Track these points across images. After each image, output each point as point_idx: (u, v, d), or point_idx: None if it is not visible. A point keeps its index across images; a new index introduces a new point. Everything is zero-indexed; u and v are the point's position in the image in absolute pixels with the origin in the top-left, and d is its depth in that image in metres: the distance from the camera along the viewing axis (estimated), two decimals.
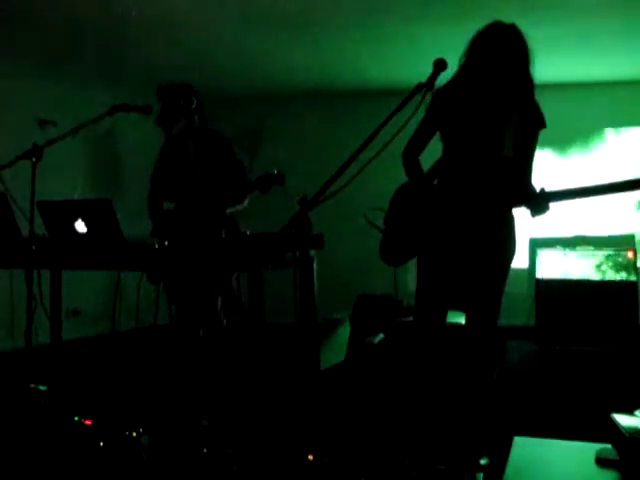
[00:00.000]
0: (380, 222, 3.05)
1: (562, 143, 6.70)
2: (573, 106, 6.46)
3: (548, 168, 6.61)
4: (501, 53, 2.64)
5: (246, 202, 3.72)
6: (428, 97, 2.58)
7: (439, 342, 2.84)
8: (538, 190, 2.60)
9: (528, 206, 2.61)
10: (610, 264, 5.35)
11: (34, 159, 3.13)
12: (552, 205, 2.58)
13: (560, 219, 5.86)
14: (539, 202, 2.57)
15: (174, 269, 3.22)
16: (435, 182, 2.87)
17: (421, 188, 2.85)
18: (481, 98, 2.72)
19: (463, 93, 2.74)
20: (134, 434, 3.07)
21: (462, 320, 2.93)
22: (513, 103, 2.71)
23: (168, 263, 3.00)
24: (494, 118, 2.71)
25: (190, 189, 3.72)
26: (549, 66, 5.83)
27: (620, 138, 6.74)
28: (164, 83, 3.77)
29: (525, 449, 2.68)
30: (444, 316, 2.87)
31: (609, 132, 6.75)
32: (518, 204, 2.66)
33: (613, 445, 2.49)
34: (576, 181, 2.62)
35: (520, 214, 2.75)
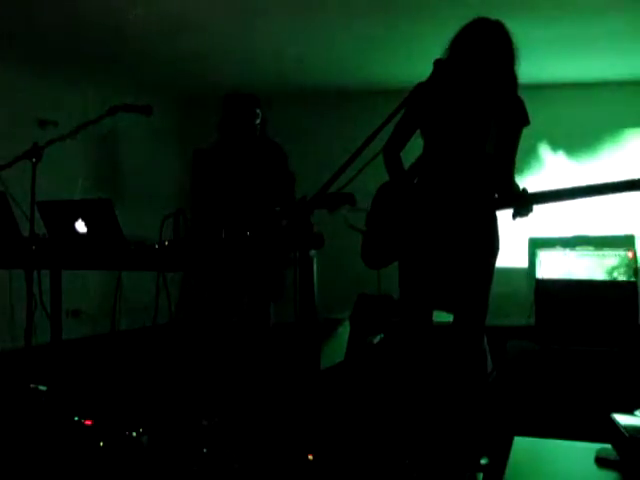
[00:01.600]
0: (362, 223, 3.01)
1: (582, 143, 6.69)
2: (594, 106, 6.48)
3: (561, 170, 6.62)
4: (484, 49, 2.60)
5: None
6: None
7: (427, 343, 2.82)
8: (520, 191, 2.57)
9: (510, 207, 2.57)
10: (610, 264, 5.35)
11: (34, 159, 3.13)
12: (535, 207, 2.55)
13: (560, 219, 5.87)
14: (521, 204, 2.54)
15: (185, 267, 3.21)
16: (415, 180, 2.82)
17: (401, 187, 2.80)
18: (463, 94, 2.68)
19: (445, 88, 2.69)
20: (134, 434, 3.07)
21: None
22: (496, 100, 2.68)
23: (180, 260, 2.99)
24: (476, 115, 2.68)
25: (241, 198, 3.74)
26: (566, 65, 5.85)
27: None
28: (231, 92, 3.85)
29: (525, 449, 2.68)
30: (430, 317, 2.84)
31: (626, 133, 6.73)
32: (501, 206, 2.63)
33: (613, 445, 2.49)
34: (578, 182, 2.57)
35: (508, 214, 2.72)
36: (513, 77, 2.67)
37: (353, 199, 3.37)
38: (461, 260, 2.72)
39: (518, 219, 2.60)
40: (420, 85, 2.61)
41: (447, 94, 2.70)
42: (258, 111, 3.81)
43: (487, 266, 2.76)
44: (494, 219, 2.76)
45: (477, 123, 2.68)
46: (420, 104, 2.72)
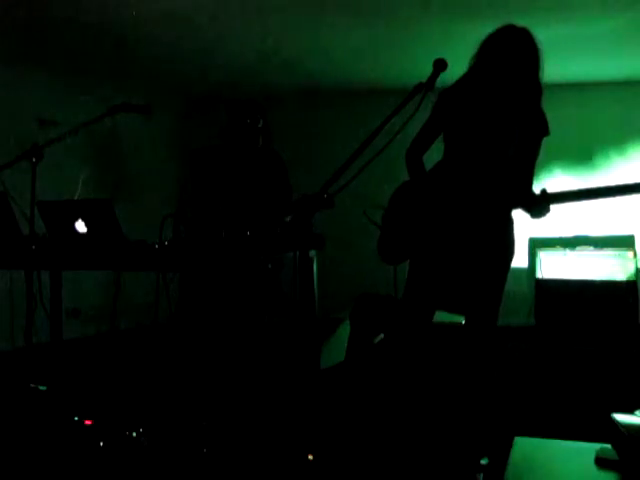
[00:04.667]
0: (379, 220, 3.03)
1: (583, 144, 6.70)
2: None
3: (561, 170, 6.63)
4: (511, 57, 2.62)
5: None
6: (430, 97, 2.57)
7: (426, 343, 2.83)
8: (539, 192, 2.59)
9: (528, 208, 2.59)
10: (610, 264, 5.35)
11: (34, 159, 3.14)
12: (553, 207, 2.57)
13: (560, 219, 5.87)
14: (540, 204, 2.56)
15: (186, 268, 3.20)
16: (435, 182, 2.85)
17: (422, 188, 2.83)
18: (488, 101, 2.70)
19: (470, 95, 2.72)
20: (134, 434, 3.07)
21: (462, 320, 2.92)
22: (519, 108, 2.70)
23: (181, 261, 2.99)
24: (500, 122, 2.70)
25: (240, 209, 3.73)
26: (566, 65, 5.84)
27: None
28: (234, 98, 3.83)
29: (525, 449, 2.68)
30: (431, 317, 2.85)
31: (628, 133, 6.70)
32: (518, 206, 2.65)
33: (613, 445, 2.49)
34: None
35: (520, 215, 2.74)
36: (538, 86, 2.69)
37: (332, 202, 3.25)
38: (477, 263, 2.73)
39: (536, 219, 2.61)
40: (447, 90, 2.66)
41: (473, 100, 2.71)
42: (260, 119, 3.79)
43: (502, 270, 2.78)
44: (511, 224, 2.78)
45: (502, 131, 2.69)
46: (445, 109, 2.75)
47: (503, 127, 2.69)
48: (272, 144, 3.90)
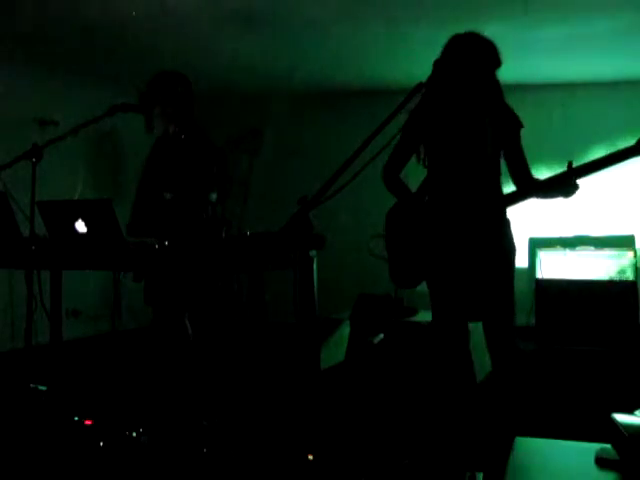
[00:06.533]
0: (381, 249, 3.02)
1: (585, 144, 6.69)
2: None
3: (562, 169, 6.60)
4: (464, 64, 2.65)
5: (214, 196, 3.66)
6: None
7: (466, 355, 2.81)
8: (566, 166, 2.59)
9: (560, 189, 2.60)
10: (610, 264, 5.34)
11: (34, 159, 3.14)
12: (580, 182, 2.58)
13: (560, 219, 5.87)
14: (570, 181, 2.56)
15: (171, 270, 3.19)
16: (426, 199, 2.84)
17: (413, 206, 2.83)
18: (456, 109, 2.73)
19: (439, 107, 2.74)
20: (134, 434, 3.08)
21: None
22: (485, 108, 2.72)
23: (166, 263, 2.99)
24: (472, 124, 2.72)
25: (169, 192, 3.71)
26: (567, 65, 5.83)
27: None
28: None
29: (525, 449, 2.69)
30: (466, 328, 2.83)
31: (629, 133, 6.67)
32: (551, 193, 2.65)
33: (613, 445, 2.49)
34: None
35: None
36: (496, 83, 2.72)
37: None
38: (488, 267, 2.72)
39: (570, 197, 2.62)
40: (417, 107, 2.69)
41: (442, 111, 2.74)
42: (180, 90, 3.58)
43: (510, 269, 2.78)
44: (508, 221, 2.79)
45: (475, 131, 2.72)
46: (419, 126, 2.77)
47: (476, 127, 2.72)
48: (192, 116, 3.70)
